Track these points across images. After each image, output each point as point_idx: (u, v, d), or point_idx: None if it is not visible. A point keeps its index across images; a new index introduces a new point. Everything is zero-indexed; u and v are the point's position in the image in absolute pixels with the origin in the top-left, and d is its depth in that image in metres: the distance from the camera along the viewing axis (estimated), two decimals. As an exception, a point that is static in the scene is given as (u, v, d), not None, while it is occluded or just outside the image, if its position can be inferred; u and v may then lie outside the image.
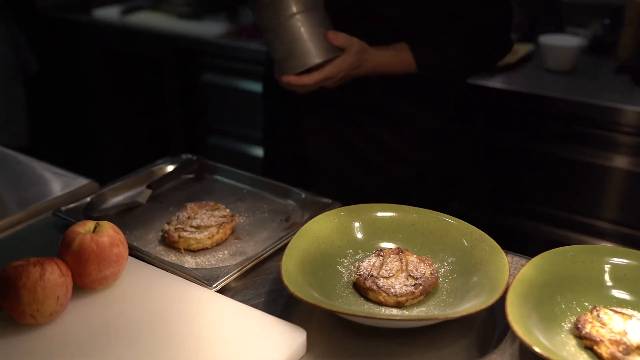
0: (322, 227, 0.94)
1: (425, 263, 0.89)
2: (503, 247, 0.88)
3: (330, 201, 1.06)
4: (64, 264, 0.81)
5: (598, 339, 0.74)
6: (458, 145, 1.47)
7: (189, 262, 0.95)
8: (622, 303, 0.83)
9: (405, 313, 0.83)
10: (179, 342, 0.77)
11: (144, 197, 1.10)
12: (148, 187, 1.12)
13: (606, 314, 0.78)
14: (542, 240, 1.89)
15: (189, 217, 1.01)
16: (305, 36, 1.15)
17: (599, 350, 0.74)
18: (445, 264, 0.91)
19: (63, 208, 1.05)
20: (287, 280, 0.80)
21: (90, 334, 0.78)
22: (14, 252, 0.97)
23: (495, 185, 1.96)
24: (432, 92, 1.35)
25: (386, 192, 1.34)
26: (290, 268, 0.83)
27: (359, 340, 0.80)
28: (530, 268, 0.83)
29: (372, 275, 0.85)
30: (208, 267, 0.93)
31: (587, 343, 0.75)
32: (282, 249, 0.88)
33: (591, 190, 1.80)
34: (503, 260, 0.85)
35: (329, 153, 1.37)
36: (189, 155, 1.23)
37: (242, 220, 1.05)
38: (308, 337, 0.78)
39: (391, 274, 0.86)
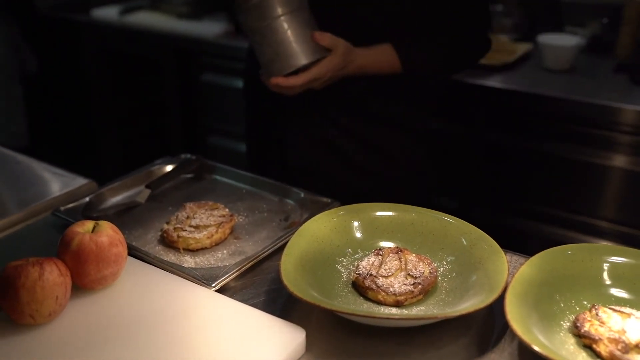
0: (321, 227, 0.94)
1: (424, 262, 0.89)
2: (502, 246, 0.88)
3: (329, 200, 1.07)
4: (63, 264, 0.81)
5: (597, 338, 0.74)
6: (448, 143, 1.48)
7: (188, 261, 0.95)
8: (620, 302, 0.83)
9: (405, 312, 0.83)
10: (178, 341, 0.77)
11: (143, 197, 1.10)
12: (147, 186, 1.12)
13: (605, 313, 0.78)
14: (540, 239, 1.90)
15: (188, 217, 1.01)
16: (292, 37, 1.14)
17: (597, 349, 0.74)
18: (445, 263, 0.91)
19: (62, 208, 1.05)
20: (286, 279, 0.80)
21: (90, 333, 0.78)
22: (13, 252, 0.97)
23: (493, 184, 1.96)
24: (415, 90, 1.37)
25: (373, 191, 1.35)
26: (290, 267, 0.84)
27: (358, 340, 0.80)
28: (529, 267, 0.83)
29: (371, 275, 0.85)
30: (207, 266, 0.93)
31: (586, 341, 0.75)
32: (281, 249, 0.88)
33: (590, 190, 1.80)
34: (502, 260, 0.85)
35: (313, 153, 1.37)
36: (188, 155, 1.23)
37: (241, 220, 1.05)
38: (307, 336, 0.78)
39: (390, 273, 0.86)
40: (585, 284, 0.84)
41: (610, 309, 0.79)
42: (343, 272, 0.90)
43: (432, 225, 0.96)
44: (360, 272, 0.87)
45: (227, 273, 0.89)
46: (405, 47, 1.27)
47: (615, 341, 0.73)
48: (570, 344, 0.76)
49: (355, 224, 0.97)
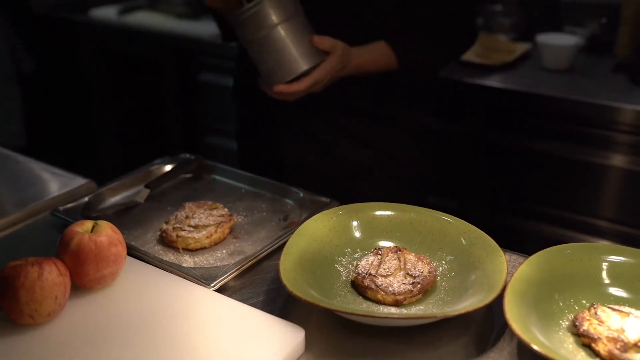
0: (321, 226, 0.94)
1: (423, 261, 0.89)
2: (501, 246, 0.88)
3: (328, 200, 1.07)
4: (62, 264, 0.81)
5: (596, 337, 0.74)
6: (446, 142, 1.48)
7: (187, 261, 0.95)
8: (619, 301, 0.83)
9: (404, 311, 0.83)
10: (177, 341, 0.77)
11: (142, 197, 1.10)
12: (146, 186, 1.12)
13: (604, 312, 0.78)
14: (539, 238, 1.90)
15: (187, 217, 1.01)
16: (291, 44, 1.14)
17: (596, 348, 0.74)
18: (444, 262, 0.92)
19: (61, 208, 1.05)
20: (285, 279, 0.80)
21: (89, 333, 0.78)
22: (12, 252, 0.97)
23: (492, 183, 1.96)
24: (413, 90, 1.37)
25: (371, 190, 1.35)
26: (289, 267, 0.84)
27: (357, 339, 0.80)
28: (528, 266, 0.83)
29: (370, 274, 0.86)
30: (206, 266, 0.93)
31: (585, 340, 0.75)
32: (281, 248, 0.88)
33: (589, 189, 1.80)
34: (501, 259, 0.85)
35: (311, 153, 1.36)
36: (187, 155, 1.23)
37: (240, 220, 1.05)
38: (306, 335, 0.78)
39: (389, 273, 0.86)
40: (584, 283, 0.84)
41: (609, 308, 0.79)
42: (342, 272, 0.91)
43: (431, 224, 0.96)
44: (360, 271, 0.87)
45: (226, 273, 0.89)
46: (400, 43, 1.27)
47: (614, 340, 0.73)
48: (569, 343, 0.76)
49: (354, 223, 0.97)
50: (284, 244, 0.89)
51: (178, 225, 0.98)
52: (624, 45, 1.94)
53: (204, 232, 0.97)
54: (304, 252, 0.89)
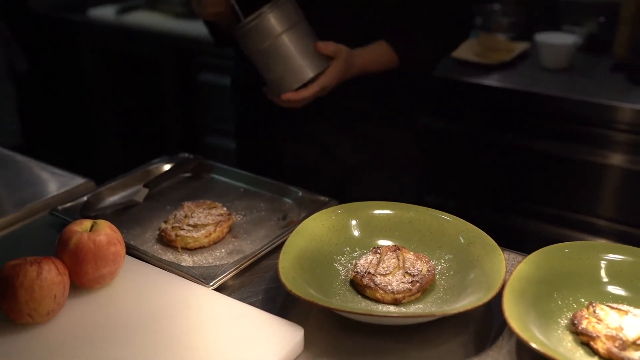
0: (319, 225, 0.94)
1: (422, 260, 0.89)
2: (500, 245, 0.88)
3: (327, 199, 1.07)
4: (61, 263, 0.81)
5: (594, 335, 0.74)
6: (445, 141, 1.48)
7: (186, 260, 0.95)
8: (618, 299, 0.83)
9: (403, 310, 0.83)
10: (176, 340, 0.77)
11: (141, 196, 1.10)
12: (145, 186, 1.12)
13: (602, 310, 0.78)
14: (538, 237, 1.90)
15: (186, 216, 1.01)
16: (296, 52, 1.14)
17: (595, 346, 0.74)
18: (442, 261, 0.92)
19: (60, 207, 1.05)
20: (284, 278, 0.80)
21: (88, 332, 0.78)
22: (11, 251, 0.96)
23: (491, 182, 1.96)
24: (412, 89, 1.38)
25: (370, 189, 1.35)
26: (288, 266, 0.84)
27: (356, 338, 0.80)
28: (527, 265, 0.83)
29: (369, 273, 0.86)
30: (205, 265, 0.93)
31: (584, 339, 0.76)
32: (279, 247, 0.89)
33: (587, 188, 1.80)
34: (499, 257, 0.85)
35: (310, 153, 1.36)
36: (186, 154, 1.23)
37: (239, 219, 1.05)
38: (305, 334, 0.78)
39: (388, 272, 0.86)
40: (583, 281, 0.85)
41: (607, 306, 0.79)
42: (341, 271, 0.91)
43: (429, 223, 0.96)
44: (358, 270, 0.87)
45: (225, 272, 0.89)
46: (401, 41, 1.28)
47: (613, 338, 0.73)
48: (567, 341, 0.76)
49: (353, 222, 0.97)
50: (283, 243, 0.89)
51: (177, 225, 0.98)
52: (623, 44, 1.94)
53: (202, 231, 0.97)
54: (303, 251, 0.89)
